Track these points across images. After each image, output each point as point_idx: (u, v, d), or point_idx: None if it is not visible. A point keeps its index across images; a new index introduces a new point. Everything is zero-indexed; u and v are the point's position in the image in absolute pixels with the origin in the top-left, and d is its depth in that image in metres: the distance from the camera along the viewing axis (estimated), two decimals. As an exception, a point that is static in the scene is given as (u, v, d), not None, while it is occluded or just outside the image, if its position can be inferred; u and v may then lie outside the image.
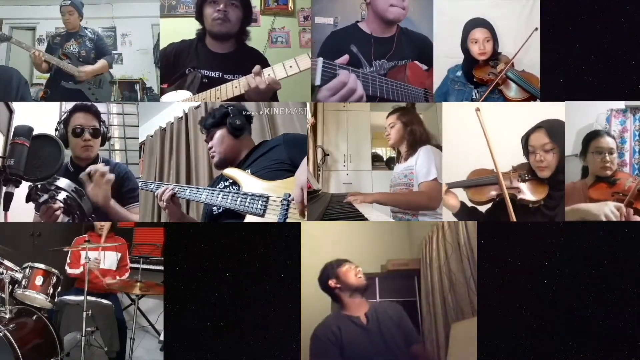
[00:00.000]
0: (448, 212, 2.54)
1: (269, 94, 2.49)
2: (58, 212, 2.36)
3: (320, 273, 2.58)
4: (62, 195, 2.36)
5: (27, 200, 2.39)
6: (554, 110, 2.52)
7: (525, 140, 2.46)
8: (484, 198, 2.49)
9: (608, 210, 2.36)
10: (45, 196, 2.34)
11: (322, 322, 2.50)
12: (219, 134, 2.39)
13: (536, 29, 2.60)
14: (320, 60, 2.30)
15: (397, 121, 2.66)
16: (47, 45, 2.81)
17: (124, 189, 2.56)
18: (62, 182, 2.38)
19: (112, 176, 2.45)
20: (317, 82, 2.32)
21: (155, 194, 2.39)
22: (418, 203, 2.57)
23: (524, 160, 2.49)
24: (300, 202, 2.02)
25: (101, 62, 2.81)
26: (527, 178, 2.44)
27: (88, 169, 2.44)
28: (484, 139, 2.43)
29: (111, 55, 2.84)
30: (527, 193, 2.44)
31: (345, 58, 2.44)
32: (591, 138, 2.51)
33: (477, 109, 2.46)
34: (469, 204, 2.54)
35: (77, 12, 2.78)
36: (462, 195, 2.54)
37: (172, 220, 2.41)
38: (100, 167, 2.45)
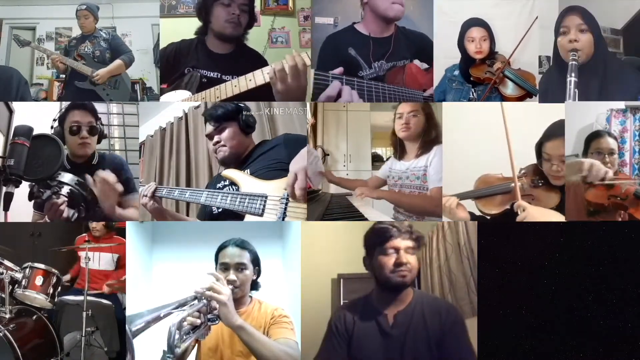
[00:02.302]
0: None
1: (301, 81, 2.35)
2: (63, 207, 2.37)
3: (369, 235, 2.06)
4: (65, 190, 2.37)
5: (30, 199, 2.39)
6: (554, 110, 2.51)
7: (539, 146, 2.37)
8: (495, 210, 2.36)
9: (596, 162, 2.31)
10: (48, 192, 2.35)
11: (348, 303, 2.21)
12: (231, 129, 2.36)
13: (537, 17, 2.60)
14: (312, 72, 2.28)
15: (422, 112, 2.48)
16: (64, 49, 2.84)
17: (121, 177, 2.56)
18: (65, 176, 2.39)
19: (120, 187, 2.46)
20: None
21: (140, 193, 2.43)
22: (423, 208, 2.45)
23: (529, 162, 2.41)
24: (291, 187, 2.00)
25: (116, 62, 2.81)
26: (540, 184, 2.33)
27: (98, 175, 2.43)
28: (495, 138, 2.30)
29: (128, 53, 2.83)
30: (541, 200, 2.31)
31: (339, 70, 2.42)
32: (592, 138, 2.50)
33: (501, 104, 2.33)
34: (477, 213, 2.46)
35: (92, 16, 2.80)
36: (469, 205, 2.45)
37: (157, 218, 2.44)
38: (108, 175, 2.44)
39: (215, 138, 2.37)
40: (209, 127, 2.39)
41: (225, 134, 2.36)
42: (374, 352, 1.97)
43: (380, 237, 1.97)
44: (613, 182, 2.33)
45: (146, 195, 2.38)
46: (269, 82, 2.37)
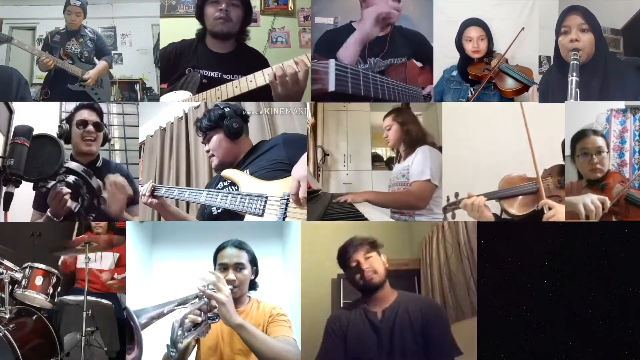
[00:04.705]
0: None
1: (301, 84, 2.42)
2: (67, 197, 2.38)
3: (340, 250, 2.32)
4: (71, 178, 2.39)
5: (34, 188, 2.42)
6: (554, 110, 2.51)
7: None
8: (521, 211, 2.31)
9: (588, 200, 2.22)
10: (53, 181, 2.38)
11: (341, 307, 2.43)
12: (216, 137, 2.39)
13: (522, 28, 2.61)
14: (333, 62, 2.29)
15: (394, 122, 2.67)
16: (45, 43, 2.82)
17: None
18: (71, 164, 2.44)
19: (131, 190, 2.51)
20: (332, 87, 2.30)
21: (139, 192, 2.45)
22: (405, 202, 2.60)
23: (528, 161, 2.33)
24: (295, 194, 2.02)
25: (102, 63, 2.84)
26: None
27: (110, 178, 2.48)
28: (496, 138, 2.36)
29: (110, 55, 2.86)
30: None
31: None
32: (577, 139, 2.40)
33: (520, 103, 2.33)
34: (504, 216, 2.42)
35: (83, 14, 2.80)
36: (493, 206, 2.39)
37: (161, 214, 2.48)
38: (118, 177, 2.49)
39: (205, 147, 2.44)
40: (200, 138, 2.48)
41: (212, 143, 2.40)
42: (367, 344, 2.18)
43: (342, 257, 2.30)
44: (614, 201, 2.29)
45: (145, 195, 2.40)
46: (268, 83, 2.40)
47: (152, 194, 2.41)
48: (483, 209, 2.31)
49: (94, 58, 2.84)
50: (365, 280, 2.22)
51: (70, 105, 2.65)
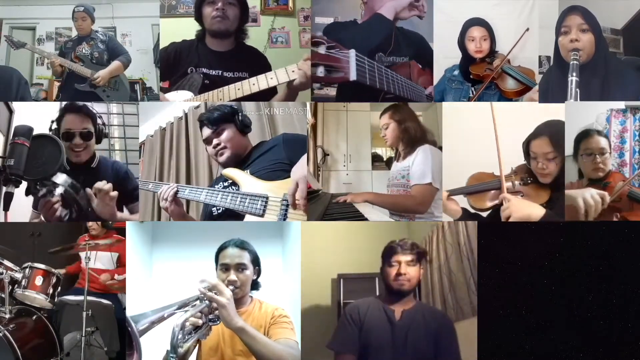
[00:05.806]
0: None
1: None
2: (57, 206, 2.38)
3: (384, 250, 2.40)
4: (59, 190, 2.37)
5: (27, 194, 2.40)
6: (554, 110, 2.51)
7: (527, 145, 2.38)
8: (487, 205, 2.42)
9: (588, 195, 2.26)
10: (44, 190, 2.36)
11: (360, 299, 2.43)
12: (229, 131, 2.37)
13: (527, 29, 2.62)
14: (353, 52, 2.32)
15: (391, 120, 2.63)
16: (60, 50, 2.82)
17: (128, 187, 2.57)
18: (59, 177, 2.39)
19: (115, 194, 2.44)
20: (353, 76, 2.32)
21: (157, 193, 2.39)
22: (405, 206, 2.56)
23: (523, 161, 2.42)
24: (292, 195, 2.01)
25: (115, 63, 2.80)
26: (529, 181, 2.37)
27: (94, 187, 2.43)
28: (494, 137, 2.33)
29: (126, 54, 2.83)
30: (530, 196, 2.35)
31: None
32: (581, 138, 2.43)
33: (491, 104, 2.39)
34: (471, 210, 2.48)
35: (89, 18, 2.79)
36: (462, 200, 2.48)
37: (175, 219, 2.41)
38: (104, 185, 2.43)
39: (215, 141, 2.37)
40: (207, 131, 2.39)
41: (224, 135, 2.36)
42: (383, 337, 2.27)
43: (388, 252, 2.35)
44: (614, 197, 2.32)
45: (166, 199, 2.34)
46: (270, 87, 2.47)
47: (175, 197, 2.35)
48: (446, 202, 2.43)
49: (107, 60, 2.81)
50: (397, 283, 2.30)
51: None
